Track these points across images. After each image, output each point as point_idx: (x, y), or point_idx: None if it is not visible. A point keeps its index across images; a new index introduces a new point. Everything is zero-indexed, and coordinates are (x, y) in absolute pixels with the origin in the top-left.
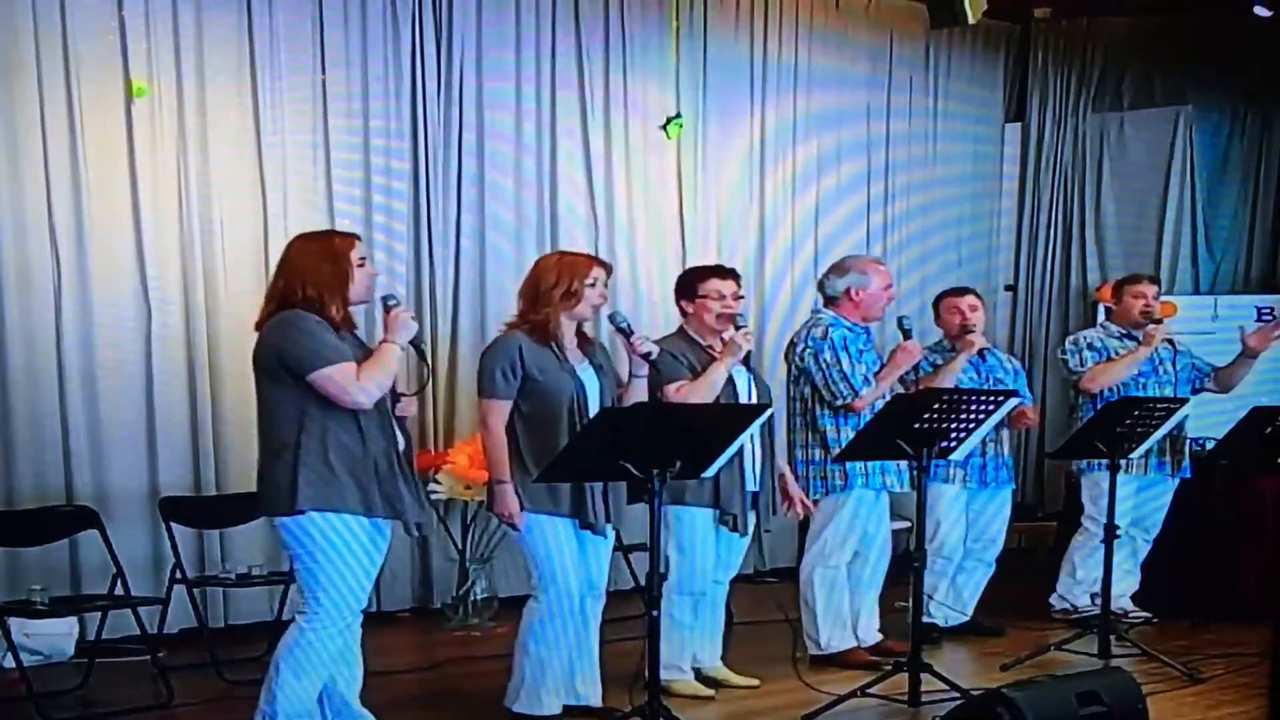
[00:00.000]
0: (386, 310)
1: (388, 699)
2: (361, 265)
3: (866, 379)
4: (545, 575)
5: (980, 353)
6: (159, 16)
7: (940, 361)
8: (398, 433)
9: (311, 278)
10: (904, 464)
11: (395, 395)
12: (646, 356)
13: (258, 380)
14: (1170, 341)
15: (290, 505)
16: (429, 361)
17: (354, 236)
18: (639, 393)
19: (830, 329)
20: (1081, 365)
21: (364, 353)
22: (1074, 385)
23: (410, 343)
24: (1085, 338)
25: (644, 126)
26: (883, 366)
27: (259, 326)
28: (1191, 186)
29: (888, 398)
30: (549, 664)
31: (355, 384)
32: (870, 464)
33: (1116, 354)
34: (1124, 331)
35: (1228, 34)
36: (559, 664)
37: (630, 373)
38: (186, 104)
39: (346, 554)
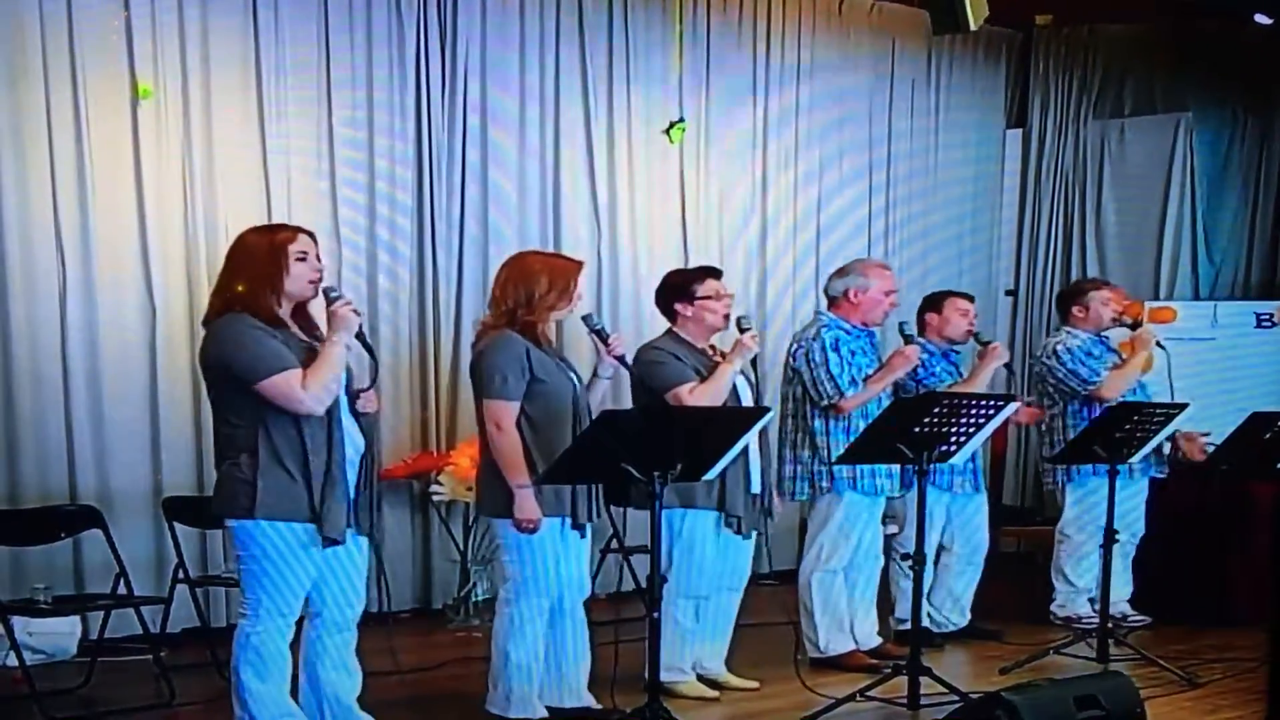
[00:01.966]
0: (329, 303)
1: (388, 699)
2: (303, 260)
3: (854, 381)
4: (529, 578)
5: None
6: (164, 18)
7: (940, 365)
8: (356, 435)
9: (246, 272)
10: (896, 469)
11: (352, 393)
12: (622, 359)
13: (208, 383)
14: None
15: (249, 510)
16: (375, 355)
17: (298, 230)
18: (600, 393)
19: (824, 330)
20: (1095, 376)
21: (309, 353)
22: (1090, 395)
23: (356, 337)
24: (1080, 346)
25: (647, 131)
26: (878, 370)
27: (206, 322)
28: (1192, 193)
29: (884, 402)
30: (533, 667)
31: (301, 392)
32: (861, 468)
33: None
34: (1094, 337)
35: (1228, 41)
36: (541, 666)
37: (596, 373)
38: (192, 105)
39: (292, 559)
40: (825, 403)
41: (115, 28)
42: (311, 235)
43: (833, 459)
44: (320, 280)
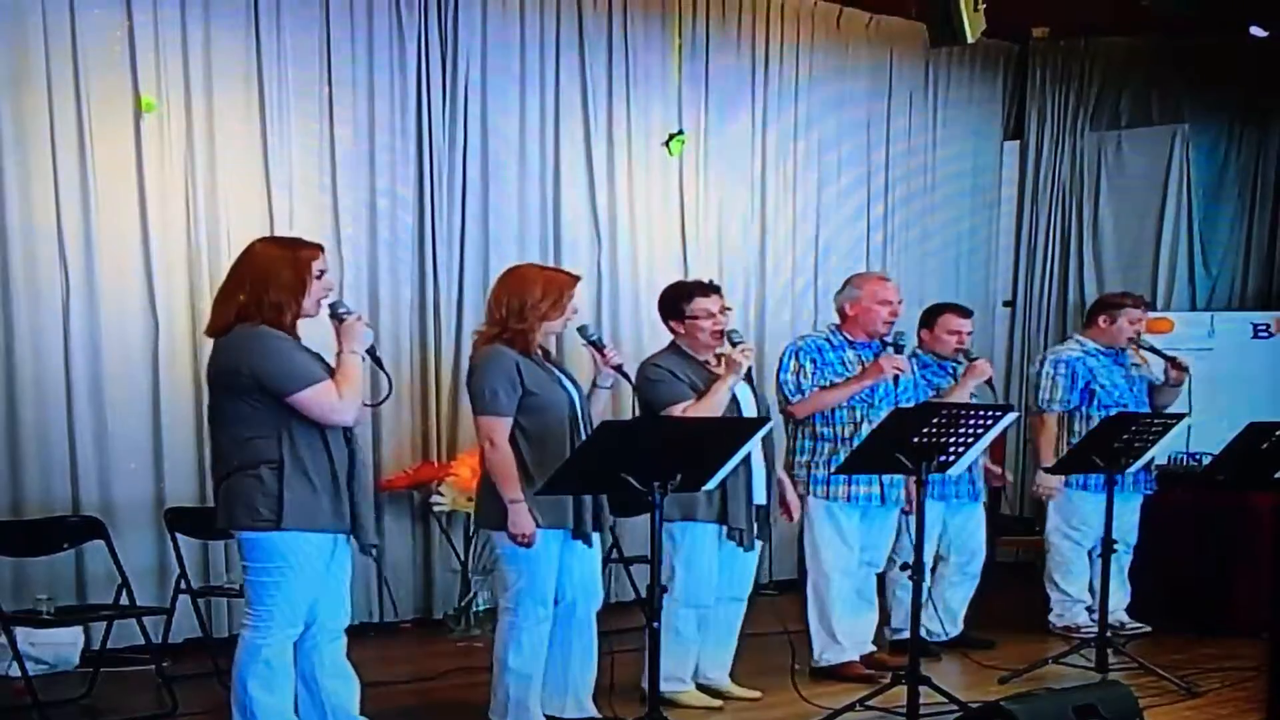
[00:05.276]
0: (339, 319)
1: (388, 709)
2: (320, 278)
3: (801, 388)
4: (526, 588)
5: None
6: (168, 31)
7: (933, 379)
8: (356, 447)
9: (274, 282)
10: (873, 481)
11: None
12: (619, 368)
13: (221, 393)
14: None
15: (274, 522)
16: (387, 371)
17: (318, 247)
18: (602, 403)
19: (802, 339)
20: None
21: (322, 365)
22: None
23: (367, 351)
24: (1068, 364)
25: (647, 143)
26: (849, 378)
27: (216, 333)
28: (1188, 204)
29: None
30: (532, 677)
31: (339, 403)
32: (834, 477)
33: (1092, 374)
34: (1101, 349)
35: (1224, 53)
36: (539, 676)
37: (595, 384)
38: (194, 118)
39: (309, 570)
40: (780, 408)
41: (118, 41)
42: (323, 250)
43: (810, 465)
44: (326, 298)
